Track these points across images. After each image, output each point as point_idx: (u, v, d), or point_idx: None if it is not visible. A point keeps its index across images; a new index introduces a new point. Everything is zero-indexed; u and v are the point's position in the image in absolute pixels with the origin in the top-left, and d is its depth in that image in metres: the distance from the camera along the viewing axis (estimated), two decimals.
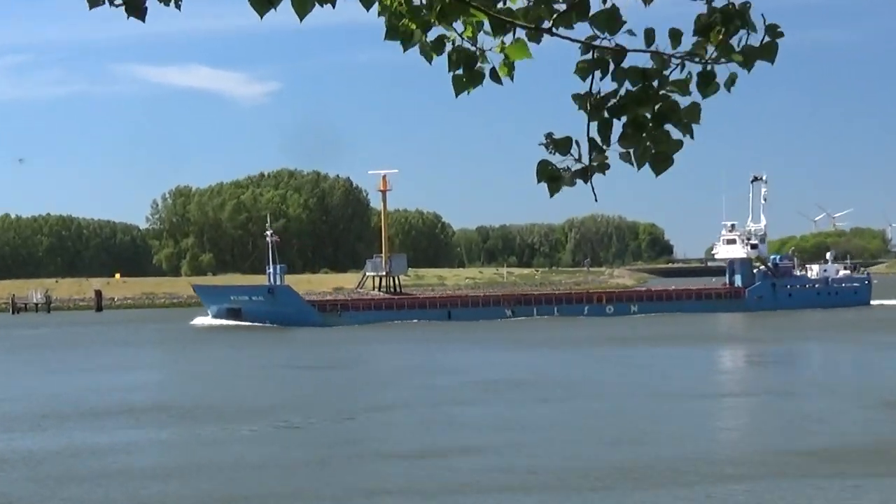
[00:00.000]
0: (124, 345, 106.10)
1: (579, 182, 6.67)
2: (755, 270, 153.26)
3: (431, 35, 6.54)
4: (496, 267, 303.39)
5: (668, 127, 6.55)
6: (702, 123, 6.61)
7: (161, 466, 37.98)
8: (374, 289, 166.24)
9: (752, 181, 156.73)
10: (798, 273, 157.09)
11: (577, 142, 6.54)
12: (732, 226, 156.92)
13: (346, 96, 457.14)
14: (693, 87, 6.48)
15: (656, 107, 6.44)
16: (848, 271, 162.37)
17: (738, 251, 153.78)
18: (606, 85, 6.52)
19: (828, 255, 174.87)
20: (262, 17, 6.52)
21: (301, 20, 6.39)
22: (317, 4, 6.38)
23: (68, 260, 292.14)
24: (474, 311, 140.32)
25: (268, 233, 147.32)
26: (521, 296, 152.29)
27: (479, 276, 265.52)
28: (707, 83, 6.42)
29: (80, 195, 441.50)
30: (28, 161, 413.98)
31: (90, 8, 6.48)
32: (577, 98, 6.61)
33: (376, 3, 6.44)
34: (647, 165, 6.59)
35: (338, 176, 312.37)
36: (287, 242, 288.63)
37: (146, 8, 6.52)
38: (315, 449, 41.31)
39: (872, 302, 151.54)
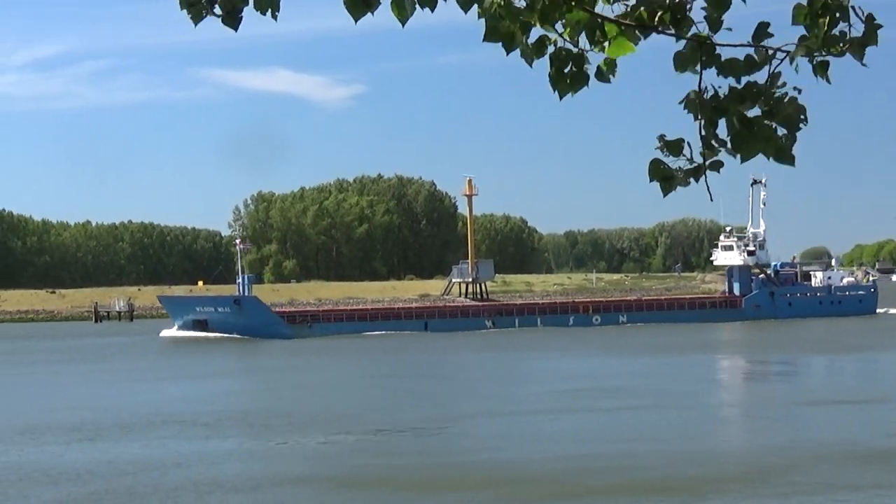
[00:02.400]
0: (203, 353, 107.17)
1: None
2: (753, 278, 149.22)
3: (532, 37, 6.54)
4: (585, 272, 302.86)
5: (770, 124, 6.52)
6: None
7: (245, 477, 37.87)
8: (460, 295, 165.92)
9: (752, 184, 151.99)
10: (803, 281, 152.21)
11: (688, 143, 6.53)
12: (731, 231, 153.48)
13: (432, 99, 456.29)
14: (797, 81, 6.46)
15: (762, 103, 6.44)
16: (853, 279, 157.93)
17: (735, 258, 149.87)
18: (711, 80, 6.50)
19: (833, 261, 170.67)
20: (356, 22, 6.53)
21: (403, 25, 6.41)
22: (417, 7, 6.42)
23: (150, 267, 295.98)
24: (452, 321, 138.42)
25: (237, 241, 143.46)
26: (503, 306, 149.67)
27: (568, 281, 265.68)
28: (823, 72, 6.40)
29: (162, 201, 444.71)
30: None
31: (195, 23, 6.62)
32: (686, 98, 6.60)
33: (475, 5, 6.48)
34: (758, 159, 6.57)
35: (421, 179, 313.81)
36: (371, 249, 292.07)
37: (241, 17, 6.63)
38: (396, 458, 41.26)
39: (879, 310, 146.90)
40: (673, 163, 6.56)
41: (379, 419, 52.10)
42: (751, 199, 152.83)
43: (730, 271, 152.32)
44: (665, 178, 6.56)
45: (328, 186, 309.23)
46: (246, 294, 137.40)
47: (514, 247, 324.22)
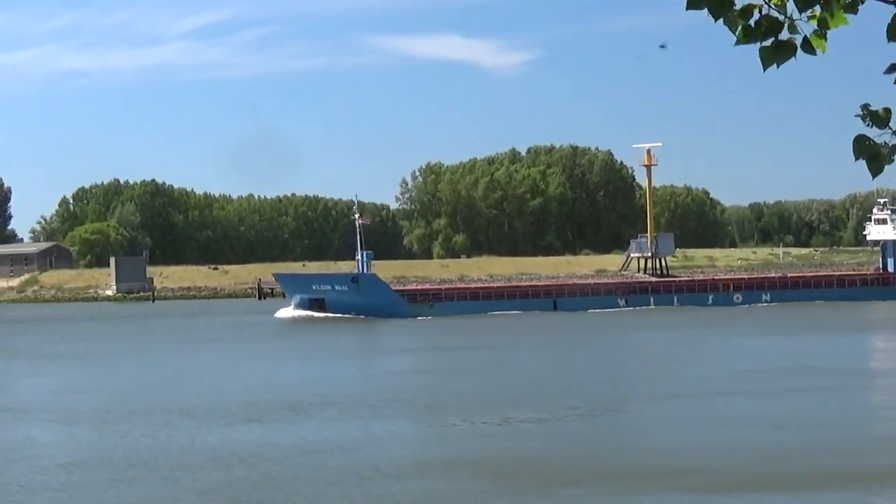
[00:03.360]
0: (373, 333, 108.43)
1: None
2: None
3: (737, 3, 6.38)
4: (771, 247, 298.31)
5: None
6: None
7: (418, 460, 37.90)
8: (639, 271, 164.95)
9: None
10: None
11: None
12: (884, 203, 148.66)
13: (609, 66, 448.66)
14: None
15: None
16: None
17: (889, 232, 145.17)
18: None
19: None
20: None
21: None
22: None
23: (315, 243, 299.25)
24: (583, 300, 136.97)
25: (356, 215, 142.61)
26: (636, 284, 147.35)
27: (753, 256, 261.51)
28: None
29: (327, 174, 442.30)
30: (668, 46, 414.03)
31: None
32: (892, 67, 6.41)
33: None
34: None
35: (597, 149, 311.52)
36: (544, 222, 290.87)
37: None
38: (572, 444, 40.76)
39: None
40: (878, 136, 6.34)
41: (550, 401, 51.67)
42: None
43: (884, 246, 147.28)
44: (872, 156, 6.36)
45: (500, 157, 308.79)
46: (365, 271, 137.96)
47: (696, 220, 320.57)
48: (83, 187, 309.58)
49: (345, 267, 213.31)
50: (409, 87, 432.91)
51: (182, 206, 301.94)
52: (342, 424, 46.12)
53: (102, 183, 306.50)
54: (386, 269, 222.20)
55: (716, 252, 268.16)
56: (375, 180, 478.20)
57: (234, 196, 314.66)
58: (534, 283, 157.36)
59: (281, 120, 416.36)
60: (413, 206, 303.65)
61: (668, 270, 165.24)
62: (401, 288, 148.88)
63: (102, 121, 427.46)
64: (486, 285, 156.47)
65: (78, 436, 44.80)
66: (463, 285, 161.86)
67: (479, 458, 37.67)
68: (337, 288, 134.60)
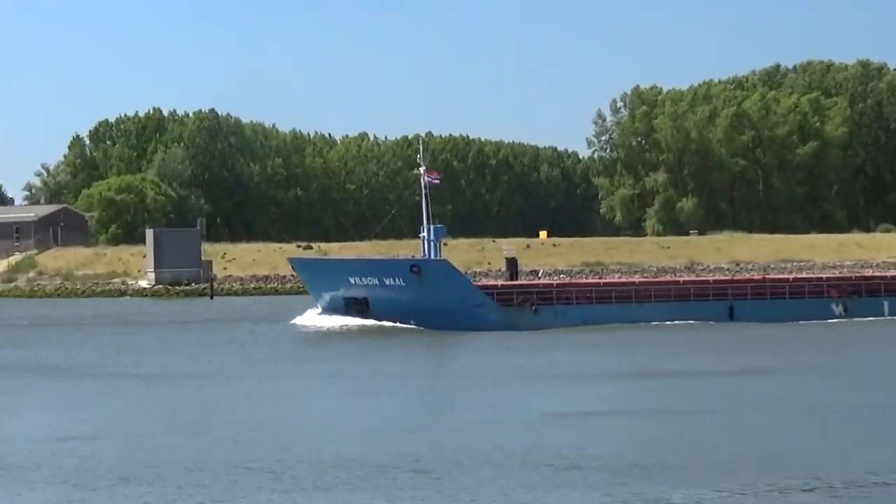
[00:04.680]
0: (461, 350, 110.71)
1: None
2: None
3: None
4: None
5: None
6: None
7: None
8: None
9: None
10: None
11: None
12: None
13: None
14: None
15: None
16: None
17: None
18: None
19: None
20: None
21: None
22: None
23: (464, 208, 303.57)
24: (776, 305, 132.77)
25: (420, 168, 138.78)
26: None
27: None
28: None
29: (474, 107, 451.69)
30: None
31: None
32: None
33: None
34: None
35: None
36: (821, 181, 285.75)
37: None
38: None
39: None
40: None
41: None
42: None
43: None
44: None
45: (750, 79, 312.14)
46: (432, 256, 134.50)
47: None
48: (105, 121, 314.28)
49: (508, 248, 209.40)
50: None
51: (257, 150, 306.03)
52: (506, 498, 45.24)
53: (136, 115, 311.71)
54: (571, 252, 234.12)
55: None
56: (557, 115, 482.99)
57: (339, 137, 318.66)
58: (696, 278, 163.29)
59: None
60: (614, 155, 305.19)
61: None
62: (486, 283, 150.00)
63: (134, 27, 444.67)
64: (621, 280, 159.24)
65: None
66: (584, 281, 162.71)
67: None
68: (388, 282, 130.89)
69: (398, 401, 74.85)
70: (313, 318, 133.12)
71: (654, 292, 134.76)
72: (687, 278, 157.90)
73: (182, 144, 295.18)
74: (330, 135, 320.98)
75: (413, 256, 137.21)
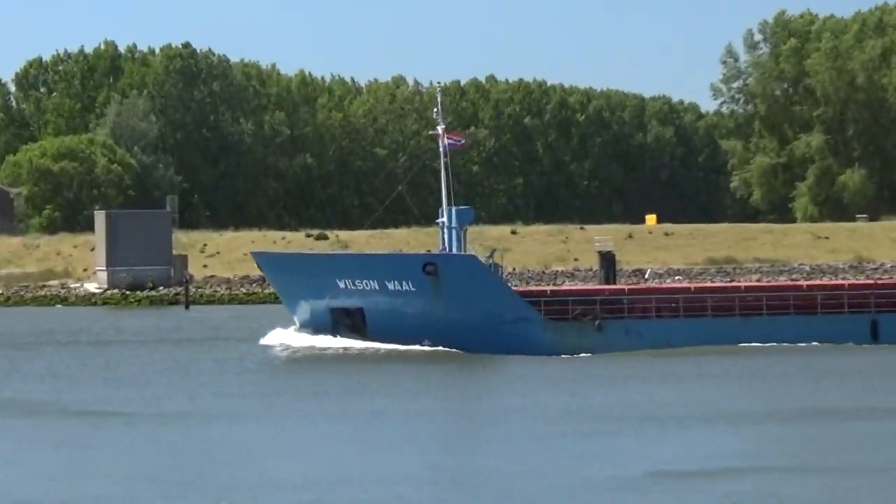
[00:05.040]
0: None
1: None
2: None
3: None
4: None
5: None
6: None
7: None
8: None
9: None
10: None
11: None
12: None
13: None
14: None
15: None
16: None
17: None
18: None
19: None
20: None
21: None
22: None
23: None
24: None
25: (438, 127, 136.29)
26: None
27: None
28: None
29: (542, 52, 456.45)
30: None
31: None
32: None
33: None
34: None
35: None
36: None
37: None
38: None
39: None
40: None
41: None
42: None
43: None
44: None
45: None
46: (454, 250, 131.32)
47: None
48: (38, 61, 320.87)
49: (602, 237, 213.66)
50: None
51: (250, 101, 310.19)
52: None
53: (80, 52, 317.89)
54: (692, 244, 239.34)
55: None
56: (670, 54, 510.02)
57: (364, 83, 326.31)
58: (825, 282, 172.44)
59: None
60: (750, 109, 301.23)
61: None
62: (533, 289, 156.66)
63: None
64: (717, 285, 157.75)
65: None
66: (667, 286, 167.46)
67: None
68: (392, 286, 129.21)
69: (410, 457, 73.08)
70: (285, 335, 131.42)
71: (766, 302, 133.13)
72: (813, 283, 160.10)
73: (146, 93, 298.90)
74: (353, 79, 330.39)
75: (428, 253, 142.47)
